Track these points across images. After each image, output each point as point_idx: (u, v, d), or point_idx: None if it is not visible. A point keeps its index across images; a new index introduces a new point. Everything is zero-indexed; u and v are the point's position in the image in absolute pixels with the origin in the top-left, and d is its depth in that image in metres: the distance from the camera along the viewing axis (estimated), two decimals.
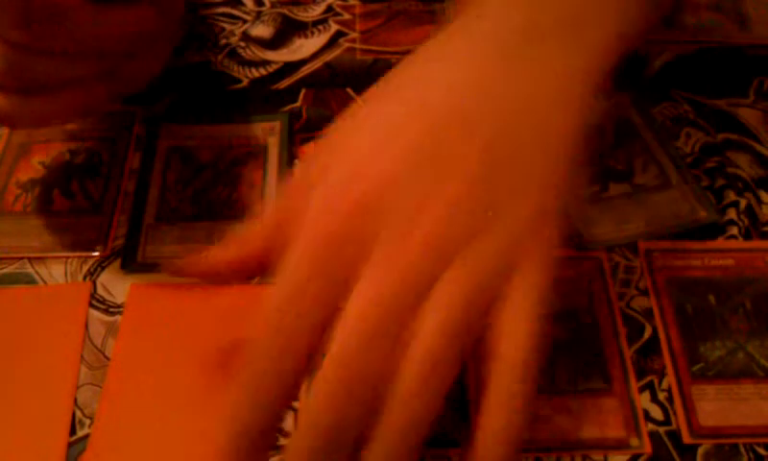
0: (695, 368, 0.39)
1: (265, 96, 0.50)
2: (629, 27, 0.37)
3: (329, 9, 0.55)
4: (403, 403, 0.30)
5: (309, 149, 0.38)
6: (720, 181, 0.46)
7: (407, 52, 0.37)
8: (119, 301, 0.42)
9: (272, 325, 0.31)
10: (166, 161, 0.47)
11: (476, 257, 0.31)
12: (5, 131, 0.49)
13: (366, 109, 0.36)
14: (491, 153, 0.33)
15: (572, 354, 0.40)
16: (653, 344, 0.40)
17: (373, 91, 0.37)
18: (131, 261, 0.43)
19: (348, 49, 0.53)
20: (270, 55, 0.53)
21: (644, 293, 0.42)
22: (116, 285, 0.42)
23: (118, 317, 0.41)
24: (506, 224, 0.32)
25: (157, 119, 0.49)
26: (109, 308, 0.42)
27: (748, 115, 0.49)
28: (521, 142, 0.33)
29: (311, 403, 0.30)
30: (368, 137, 0.34)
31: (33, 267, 0.43)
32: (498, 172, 0.33)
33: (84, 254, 0.44)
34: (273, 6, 0.56)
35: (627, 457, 0.37)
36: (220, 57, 0.53)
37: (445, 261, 0.31)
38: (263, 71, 0.52)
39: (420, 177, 0.32)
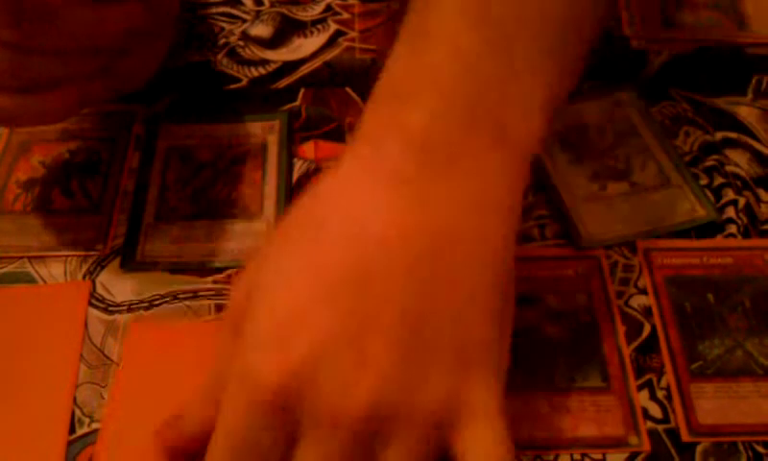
0: (694, 366, 0.39)
1: (264, 95, 0.50)
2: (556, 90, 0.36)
3: (328, 8, 0.55)
4: None
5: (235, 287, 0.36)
6: (719, 180, 0.46)
7: None
8: (118, 299, 0.42)
9: None
10: (165, 161, 0.47)
11: (417, 420, 0.31)
12: (5, 130, 0.49)
13: (282, 259, 0.33)
14: (417, 305, 0.31)
15: (571, 353, 0.40)
16: (652, 342, 0.40)
17: (288, 229, 0.34)
18: (130, 260, 0.43)
19: (348, 48, 0.53)
20: (269, 54, 0.53)
21: (643, 291, 0.42)
22: (116, 284, 0.43)
23: (117, 316, 0.41)
24: (440, 375, 0.31)
25: (157, 119, 0.49)
26: (109, 307, 0.42)
27: (746, 114, 0.49)
28: (448, 280, 0.32)
29: None
30: (291, 298, 0.32)
31: (32, 266, 0.43)
32: (423, 323, 0.31)
33: (83, 253, 0.44)
34: (272, 5, 0.56)
35: (626, 455, 0.37)
36: (219, 56, 0.53)
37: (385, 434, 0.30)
38: (262, 70, 0.52)
39: (348, 344, 0.30)
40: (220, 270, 0.43)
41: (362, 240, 0.32)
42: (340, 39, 0.53)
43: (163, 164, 0.47)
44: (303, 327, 0.31)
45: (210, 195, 0.46)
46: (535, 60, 0.35)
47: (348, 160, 0.34)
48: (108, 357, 0.40)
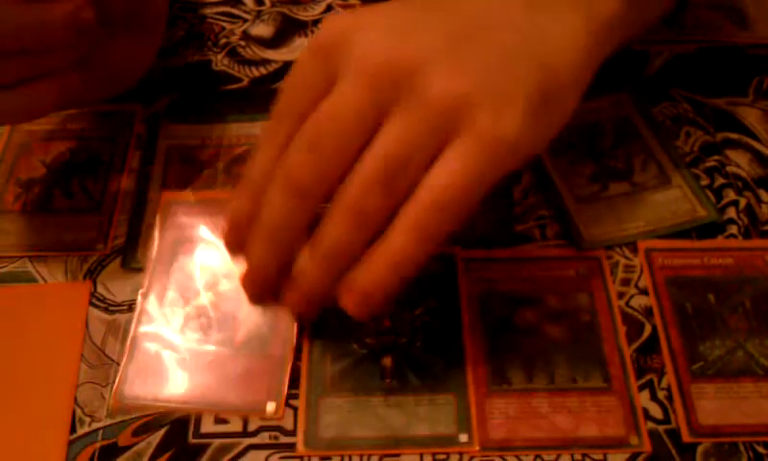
0: (695, 367, 0.39)
1: (265, 95, 0.50)
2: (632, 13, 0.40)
3: (329, 8, 0.55)
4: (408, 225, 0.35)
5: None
6: (719, 181, 0.46)
7: None
8: (119, 299, 0.42)
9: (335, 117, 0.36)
10: (166, 160, 0.47)
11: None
12: (5, 130, 0.49)
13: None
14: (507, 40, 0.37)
15: (572, 353, 0.40)
16: (652, 343, 0.40)
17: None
18: (130, 260, 0.43)
19: None
20: (270, 54, 0.53)
21: (644, 292, 0.42)
22: (116, 284, 0.42)
23: (118, 316, 0.41)
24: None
25: (158, 118, 0.49)
26: (109, 307, 0.42)
27: (747, 114, 0.49)
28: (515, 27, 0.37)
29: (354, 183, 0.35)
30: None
31: (33, 266, 0.43)
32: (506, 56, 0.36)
33: (84, 252, 0.44)
34: (273, 5, 0.56)
35: (626, 456, 0.37)
36: (220, 56, 0.53)
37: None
38: (263, 70, 0.52)
39: (398, 27, 0.37)
40: None
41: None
42: None
43: (164, 164, 0.47)
44: (374, 9, 0.38)
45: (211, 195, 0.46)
46: None
47: None
48: (108, 357, 0.40)
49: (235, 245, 0.40)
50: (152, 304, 0.41)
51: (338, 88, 0.36)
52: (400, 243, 0.35)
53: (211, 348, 0.40)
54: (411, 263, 0.35)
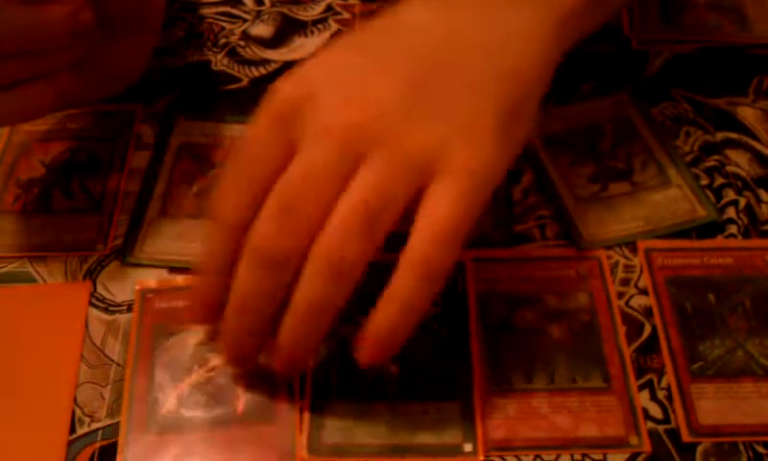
0: (694, 366, 0.39)
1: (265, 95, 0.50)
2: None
3: (329, 8, 0.55)
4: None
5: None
6: (719, 180, 0.46)
7: None
8: (119, 299, 0.42)
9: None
10: (176, 158, 0.47)
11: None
12: (5, 130, 0.49)
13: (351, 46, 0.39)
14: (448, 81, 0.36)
15: (572, 353, 0.40)
16: (652, 342, 0.40)
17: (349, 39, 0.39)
18: (130, 260, 0.43)
19: None
20: (270, 54, 0.53)
21: (644, 292, 0.42)
22: (116, 284, 0.42)
23: (118, 316, 0.41)
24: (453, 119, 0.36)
25: (171, 115, 0.49)
26: (109, 307, 0.42)
27: (747, 114, 0.49)
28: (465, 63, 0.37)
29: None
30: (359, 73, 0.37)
31: (32, 266, 0.43)
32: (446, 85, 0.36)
33: (83, 252, 0.44)
34: (272, 5, 0.56)
35: (626, 456, 0.37)
36: (219, 56, 0.53)
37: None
38: (263, 70, 0.52)
39: (356, 77, 0.36)
40: None
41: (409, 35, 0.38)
42: None
43: (173, 161, 0.47)
44: (325, 64, 0.37)
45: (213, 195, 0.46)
46: None
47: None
48: (108, 357, 0.40)
49: (209, 321, 0.38)
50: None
51: (305, 152, 0.35)
52: (408, 284, 0.34)
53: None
54: (422, 302, 0.34)
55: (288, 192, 0.34)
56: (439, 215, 0.34)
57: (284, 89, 0.36)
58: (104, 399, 0.39)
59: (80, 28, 0.39)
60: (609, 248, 0.43)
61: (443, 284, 0.34)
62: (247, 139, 0.37)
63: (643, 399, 0.38)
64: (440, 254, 0.34)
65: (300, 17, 0.55)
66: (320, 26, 0.54)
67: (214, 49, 0.53)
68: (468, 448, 0.37)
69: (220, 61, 0.52)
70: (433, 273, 0.34)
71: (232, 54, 0.53)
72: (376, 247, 0.34)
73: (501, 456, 0.37)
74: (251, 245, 0.35)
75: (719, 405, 0.38)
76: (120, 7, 0.43)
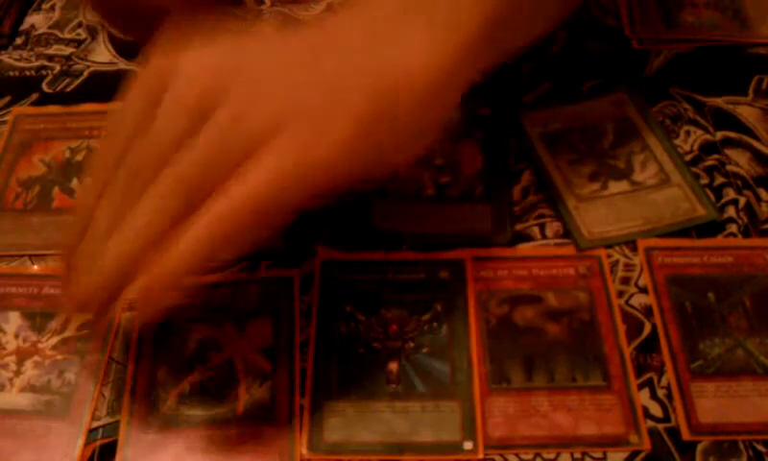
0: (694, 365, 0.39)
1: None
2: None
3: (329, 8, 0.55)
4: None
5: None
6: (719, 179, 0.46)
7: None
8: None
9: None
10: None
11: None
12: (6, 129, 0.49)
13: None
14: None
15: (572, 351, 0.40)
16: (652, 341, 0.40)
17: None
18: None
19: None
20: None
21: (644, 290, 0.42)
22: None
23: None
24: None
25: None
26: None
27: (747, 113, 0.49)
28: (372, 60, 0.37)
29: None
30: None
31: (33, 265, 0.43)
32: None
33: None
34: (273, 5, 0.56)
35: (626, 454, 0.37)
36: None
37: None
38: None
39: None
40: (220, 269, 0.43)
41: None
42: None
43: None
44: (231, 45, 0.37)
45: None
46: None
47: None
48: (109, 357, 0.40)
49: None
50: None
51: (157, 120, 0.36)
52: (193, 235, 0.34)
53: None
54: (191, 262, 0.34)
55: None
56: (241, 189, 0.34)
57: (156, 63, 0.37)
58: (104, 396, 0.39)
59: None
60: (609, 247, 0.43)
61: (223, 256, 0.35)
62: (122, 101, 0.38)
63: (643, 397, 0.38)
64: (225, 226, 0.34)
65: (301, 17, 0.55)
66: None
67: None
68: (468, 445, 0.37)
69: None
70: (216, 240, 0.34)
71: None
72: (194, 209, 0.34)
73: (501, 454, 0.37)
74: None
75: (719, 404, 0.38)
76: None
